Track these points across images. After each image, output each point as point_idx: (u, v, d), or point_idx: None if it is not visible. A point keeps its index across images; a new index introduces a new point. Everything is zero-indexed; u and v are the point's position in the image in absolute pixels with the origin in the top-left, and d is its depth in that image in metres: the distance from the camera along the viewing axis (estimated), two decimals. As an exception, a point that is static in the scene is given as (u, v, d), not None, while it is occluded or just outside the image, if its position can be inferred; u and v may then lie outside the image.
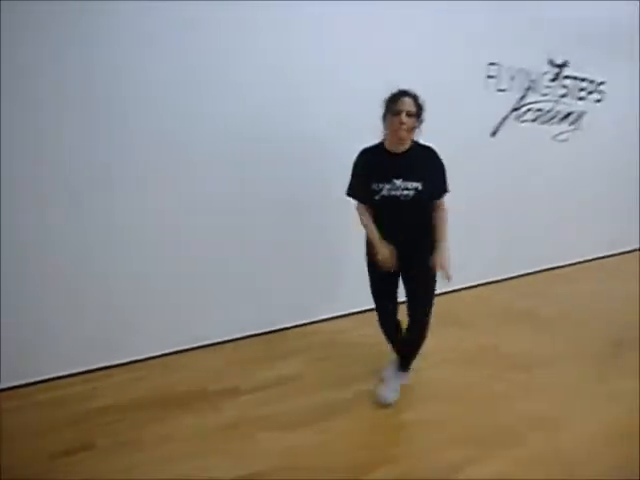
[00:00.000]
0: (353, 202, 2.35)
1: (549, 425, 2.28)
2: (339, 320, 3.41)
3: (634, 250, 5.82)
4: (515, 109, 4.03)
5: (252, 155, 2.84)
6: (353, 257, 3.36)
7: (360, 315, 3.44)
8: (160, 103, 2.52)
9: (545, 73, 4.15)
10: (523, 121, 4.13)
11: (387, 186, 2.17)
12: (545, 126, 4.32)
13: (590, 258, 5.29)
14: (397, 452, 2.06)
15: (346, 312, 3.47)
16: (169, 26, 2.45)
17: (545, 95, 4.22)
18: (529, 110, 4.14)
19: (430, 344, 2.94)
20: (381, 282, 2.44)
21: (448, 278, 2.23)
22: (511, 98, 3.98)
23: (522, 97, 4.05)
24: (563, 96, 4.38)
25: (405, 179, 2.17)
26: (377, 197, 2.20)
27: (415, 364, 2.64)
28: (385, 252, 2.22)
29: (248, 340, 3.06)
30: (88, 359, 2.63)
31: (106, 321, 2.62)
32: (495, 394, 2.55)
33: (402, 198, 2.17)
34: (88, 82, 2.33)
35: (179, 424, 2.21)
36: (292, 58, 2.84)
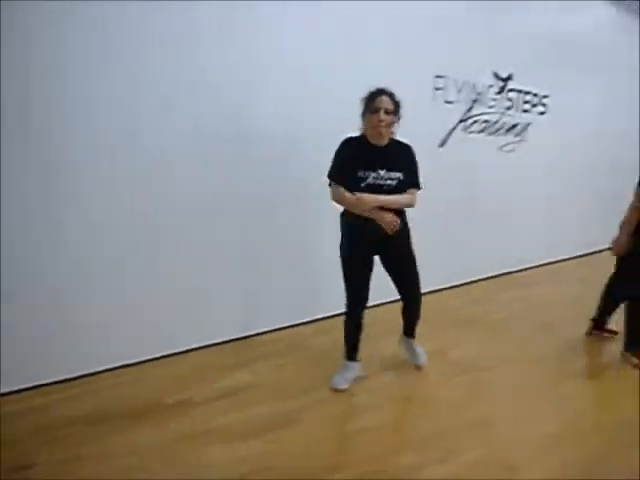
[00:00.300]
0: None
1: (493, 428, 2.33)
2: (298, 327, 3.40)
3: (584, 255, 6.05)
4: (462, 120, 4.16)
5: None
6: (314, 266, 3.41)
7: (319, 322, 3.48)
8: (139, 103, 2.55)
9: (491, 86, 4.30)
10: (470, 132, 4.25)
11: (373, 174, 2.35)
12: (492, 137, 4.47)
13: (541, 263, 5.46)
14: (345, 460, 2.06)
15: (305, 320, 3.47)
16: (143, 24, 2.48)
17: (491, 107, 4.37)
18: (476, 122, 4.28)
19: (378, 351, 2.98)
20: (359, 271, 2.54)
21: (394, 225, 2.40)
22: (458, 110, 4.10)
23: (469, 109, 4.18)
24: (508, 108, 4.54)
25: (389, 170, 2.37)
26: (363, 184, 2.35)
27: (362, 372, 2.71)
28: (392, 218, 2.38)
29: (205, 350, 3.02)
30: (37, 374, 2.53)
31: (59, 334, 2.53)
32: (441, 399, 2.58)
33: (385, 187, 2.37)
34: (55, 79, 2.30)
35: (127, 439, 2.14)
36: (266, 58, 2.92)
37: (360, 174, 2.35)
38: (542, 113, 4.91)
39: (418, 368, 2.87)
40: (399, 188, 2.40)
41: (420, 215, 3.96)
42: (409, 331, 2.88)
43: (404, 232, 2.54)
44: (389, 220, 2.36)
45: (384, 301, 3.86)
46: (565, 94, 5.04)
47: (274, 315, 3.35)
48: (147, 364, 2.82)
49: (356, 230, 2.47)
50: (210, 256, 2.96)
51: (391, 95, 2.37)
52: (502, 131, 4.55)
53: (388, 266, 2.61)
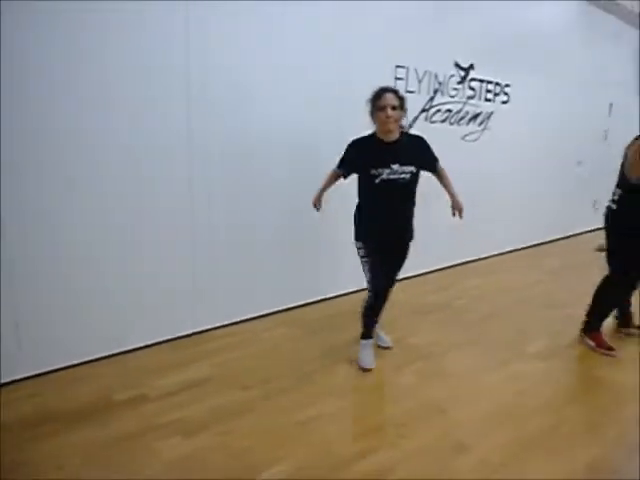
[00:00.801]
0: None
1: (444, 411, 2.40)
2: (255, 321, 3.40)
3: (545, 243, 6.21)
4: (424, 110, 4.20)
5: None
6: (270, 257, 3.43)
7: (275, 316, 3.49)
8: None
9: (452, 76, 4.35)
10: (433, 122, 4.30)
11: (386, 171, 2.49)
12: (454, 126, 4.52)
13: (503, 252, 5.59)
14: (296, 448, 2.09)
15: (262, 313, 3.48)
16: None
17: (453, 97, 4.42)
18: (438, 111, 4.32)
19: (338, 338, 3.03)
20: (382, 262, 2.70)
21: (461, 216, 2.82)
22: (420, 100, 4.13)
23: (431, 99, 4.22)
24: (470, 98, 4.60)
25: (402, 164, 2.51)
26: (377, 181, 2.50)
27: (322, 361, 2.77)
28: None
29: (160, 346, 2.99)
30: None
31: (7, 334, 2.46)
32: (396, 385, 2.65)
33: (400, 181, 2.53)
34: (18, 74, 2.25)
35: (74, 438, 2.11)
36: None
37: (373, 172, 2.50)
38: (505, 102, 4.99)
39: (386, 349, 3.01)
40: (412, 181, 2.58)
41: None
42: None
43: (412, 223, 2.78)
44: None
45: (345, 292, 3.93)
46: (527, 83, 5.13)
47: (227, 310, 3.33)
48: (96, 362, 2.75)
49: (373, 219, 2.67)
50: (163, 252, 2.93)
51: (395, 92, 2.51)
52: (465, 120, 4.61)
53: (394, 250, 2.76)
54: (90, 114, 2.47)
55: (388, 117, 2.44)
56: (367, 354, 2.82)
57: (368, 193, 2.63)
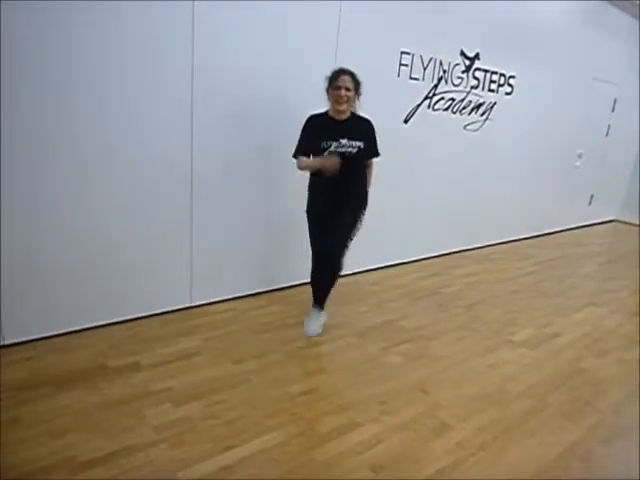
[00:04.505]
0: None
1: (428, 392, 2.48)
2: (248, 298, 3.45)
3: (542, 235, 6.26)
4: (428, 97, 4.20)
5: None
6: (267, 238, 3.47)
7: (268, 294, 3.55)
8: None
9: (457, 64, 4.34)
10: (436, 109, 4.31)
11: (334, 144, 2.67)
12: (457, 115, 4.53)
13: (500, 242, 5.65)
14: (284, 419, 2.16)
15: (255, 291, 3.53)
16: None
17: (457, 86, 4.42)
18: (442, 99, 4.33)
19: (330, 320, 3.09)
20: (318, 223, 2.86)
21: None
22: (424, 87, 4.14)
23: (435, 86, 4.22)
24: (474, 87, 4.60)
25: (350, 139, 2.70)
26: (326, 153, 2.67)
27: (312, 339, 2.82)
28: (332, 160, 2.63)
29: (154, 318, 3.04)
30: None
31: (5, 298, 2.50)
32: (383, 365, 2.72)
33: (347, 154, 2.69)
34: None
35: (66, 400, 2.17)
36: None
37: (323, 144, 2.68)
38: (508, 93, 4.99)
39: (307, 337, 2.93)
40: (359, 155, 2.74)
41: (384, 191, 4.10)
42: (321, 300, 3.02)
43: (358, 193, 2.87)
44: (331, 163, 2.63)
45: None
46: (531, 76, 5.13)
47: (222, 286, 3.37)
48: (91, 331, 2.80)
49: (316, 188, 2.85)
50: (161, 226, 2.96)
51: (352, 74, 2.66)
52: (467, 110, 4.62)
53: (337, 217, 2.80)
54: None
55: (341, 96, 2.61)
56: (307, 321, 3.00)
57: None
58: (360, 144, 2.72)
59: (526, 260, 5.10)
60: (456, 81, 4.38)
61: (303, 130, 2.78)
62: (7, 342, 2.56)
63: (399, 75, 3.90)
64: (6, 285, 2.48)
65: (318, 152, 2.69)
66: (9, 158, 2.31)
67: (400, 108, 4.06)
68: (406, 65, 3.92)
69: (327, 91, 2.71)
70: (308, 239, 2.95)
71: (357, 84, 2.68)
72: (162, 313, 3.08)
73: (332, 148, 2.67)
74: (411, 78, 3.99)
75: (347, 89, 2.62)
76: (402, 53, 3.86)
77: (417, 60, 3.98)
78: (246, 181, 3.23)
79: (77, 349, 2.62)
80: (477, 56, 4.48)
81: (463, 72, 4.42)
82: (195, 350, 2.69)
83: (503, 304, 3.77)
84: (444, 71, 4.24)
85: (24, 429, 1.97)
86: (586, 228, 6.96)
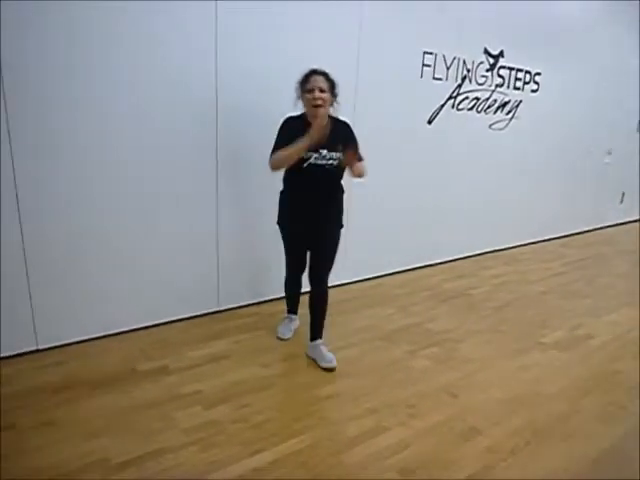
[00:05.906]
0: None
1: (457, 395, 2.44)
2: (275, 302, 3.46)
3: (571, 235, 6.12)
4: (451, 97, 4.16)
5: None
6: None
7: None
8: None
9: (481, 63, 4.29)
10: (460, 109, 4.26)
11: (315, 155, 2.40)
12: (482, 114, 4.48)
13: (527, 242, 5.54)
14: (312, 423, 2.16)
15: (282, 295, 3.52)
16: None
17: (481, 84, 4.37)
18: (466, 98, 4.28)
19: (355, 323, 3.08)
20: (296, 240, 2.70)
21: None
22: (447, 87, 4.10)
23: (459, 86, 4.18)
24: (499, 86, 4.54)
25: (329, 150, 2.42)
26: (305, 164, 2.41)
27: (337, 343, 2.81)
28: (317, 127, 2.31)
29: (183, 322, 3.09)
30: (13, 344, 2.57)
31: (34, 306, 2.57)
32: (412, 367, 2.69)
33: (327, 167, 2.45)
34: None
35: (97, 403, 2.22)
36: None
37: (302, 154, 2.37)
38: (534, 91, 4.91)
39: (329, 370, 2.62)
40: (338, 167, 2.47)
41: (409, 192, 4.08)
42: (318, 329, 2.76)
43: (336, 211, 2.65)
44: (318, 128, 2.32)
45: (354, 280, 3.97)
46: (558, 72, 5.03)
47: (250, 290, 3.41)
48: (120, 336, 2.86)
49: (294, 200, 2.62)
50: (183, 231, 3.00)
51: (325, 74, 2.39)
52: (492, 109, 4.56)
53: (315, 238, 2.64)
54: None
55: (315, 99, 2.33)
56: (281, 325, 3.02)
57: (294, 177, 2.53)
58: (340, 155, 2.42)
59: (556, 260, 4.99)
60: (480, 80, 4.33)
61: (280, 133, 2.47)
62: (41, 347, 2.64)
63: (422, 76, 3.87)
64: (39, 293, 2.55)
65: (296, 163, 2.39)
66: (63, 162, 2.38)
67: (424, 109, 4.03)
68: (429, 65, 3.90)
69: (300, 97, 2.44)
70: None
71: (332, 84, 2.40)
72: (190, 317, 3.13)
73: (312, 160, 2.40)
74: (434, 78, 3.96)
75: (321, 90, 2.33)
76: (425, 53, 3.84)
77: (440, 60, 3.95)
78: (268, 185, 3.24)
79: (107, 353, 2.68)
80: (501, 54, 4.43)
81: (487, 70, 4.36)
82: (223, 354, 2.72)
83: (533, 305, 3.70)
84: (468, 70, 4.19)
85: (58, 431, 2.03)
86: (618, 227, 6.76)
